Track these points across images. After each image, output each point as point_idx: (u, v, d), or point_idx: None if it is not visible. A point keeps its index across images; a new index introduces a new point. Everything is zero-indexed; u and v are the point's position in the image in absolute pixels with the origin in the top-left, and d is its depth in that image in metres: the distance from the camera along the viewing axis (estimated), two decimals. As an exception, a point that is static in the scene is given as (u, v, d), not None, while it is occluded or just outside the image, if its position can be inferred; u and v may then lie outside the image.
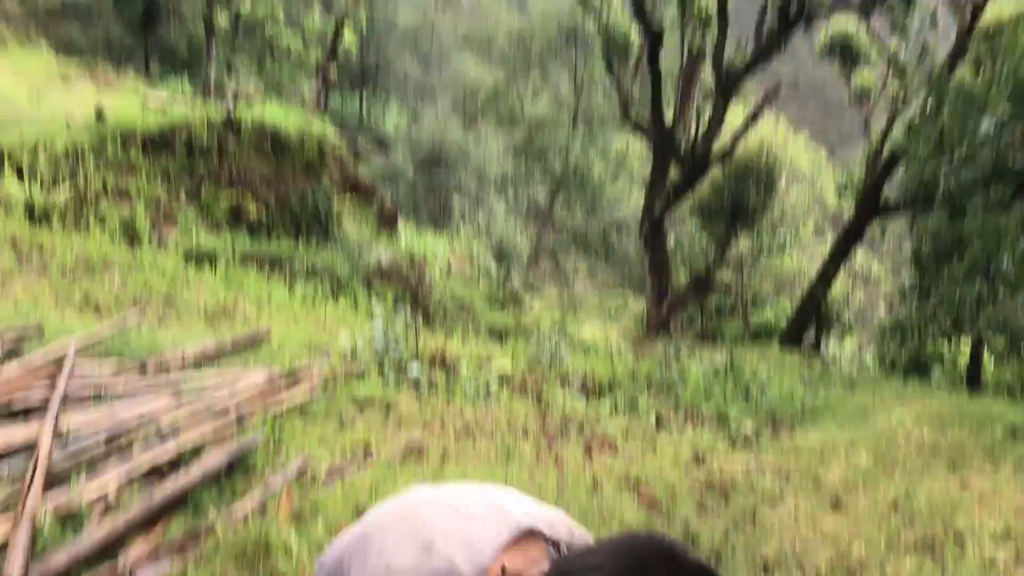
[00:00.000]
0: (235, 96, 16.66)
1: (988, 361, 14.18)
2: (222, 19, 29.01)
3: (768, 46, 14.85)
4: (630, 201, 30.32)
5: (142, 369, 5.17)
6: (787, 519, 4.27)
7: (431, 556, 1.20)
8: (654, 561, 1.04)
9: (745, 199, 17.84)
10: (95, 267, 7.77)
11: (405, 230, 17.65)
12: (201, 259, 9.16)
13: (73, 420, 3.96)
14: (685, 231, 21.13)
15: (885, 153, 16.14)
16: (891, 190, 16.71)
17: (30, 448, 3.55)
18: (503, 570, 1.20)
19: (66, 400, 4.22)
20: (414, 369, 6.53)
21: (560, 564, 1.13)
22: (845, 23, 17.02)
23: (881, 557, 3.69)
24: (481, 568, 1.20)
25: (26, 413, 4.08)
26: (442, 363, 7.20)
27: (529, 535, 1.26)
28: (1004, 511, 4.32)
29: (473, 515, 1.28)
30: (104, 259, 8.00)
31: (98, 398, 4.55)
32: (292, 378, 5.67)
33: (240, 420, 4.63)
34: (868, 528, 4.08)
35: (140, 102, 13.74)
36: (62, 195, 9.06)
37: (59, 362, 4.71)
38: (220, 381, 5.22)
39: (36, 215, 8.69)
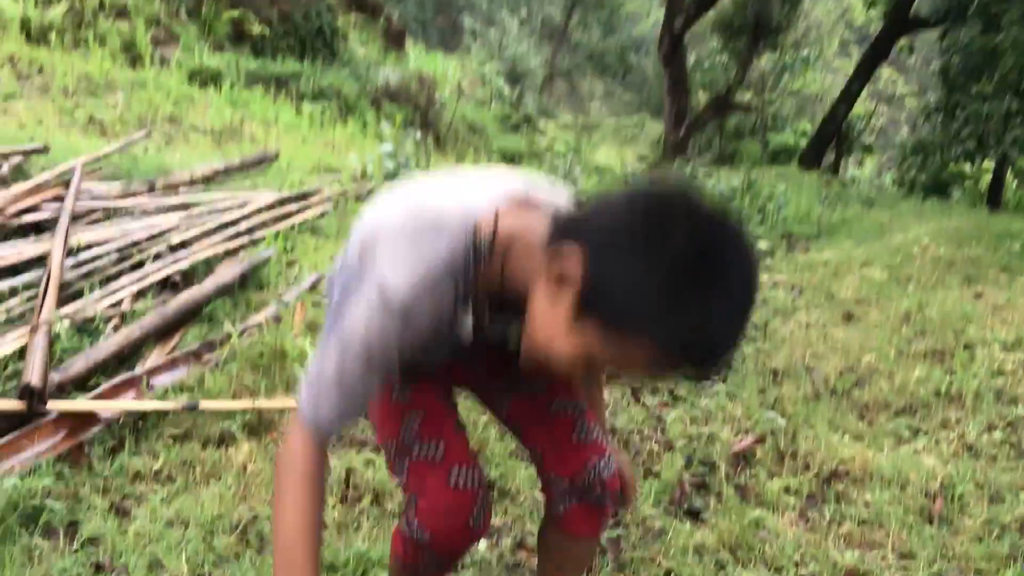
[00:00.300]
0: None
1: (1011, 181, 13.96)
2: None
3: None
4: (649, 18, 29.22)
5: (150, 188, 5.13)
6: (798, 332, 4.29)
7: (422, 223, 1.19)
8: (677, 217, 1.00)
9: (769, 14, 17.13)
10: (98, 87, 7.60)
11: (414, 51, 17.16)
12: (205, 79, 8.93)
13: (83, 236, 3.94)
14: (706, 49, 20.46)
15: (918, -38, 15.35)
16: (921, 3, 15.99)
17: (42, 261, 3.55)
18: (496, 220, 1.18)
19: (75, 217, 4.19)
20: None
21: (566, 222, 1.10)
22: None
23: (890, 365, 3.72)
24: (471, 217, 1.18)
25: (36, 229, 4.07)
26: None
27: (526, 203, 1.23)
28: (1017, 322, 4.32)
29: (467, 182, 1.28)
30: (107, 79, 7.81)
31: (107, 216, 4.53)
32: (302, 197, 5.62)
33: (252, 236, 4.62)
34: (879, 339, 4.10)
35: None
36: (58, 12, 8.75)
37: (66, 181, 4.66)
38: (230, 200, 5.17)
39: (33, 33, 8.42)
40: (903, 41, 16.31)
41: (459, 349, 1.33)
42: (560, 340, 1.08)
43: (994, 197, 13.15)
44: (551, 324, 1.09)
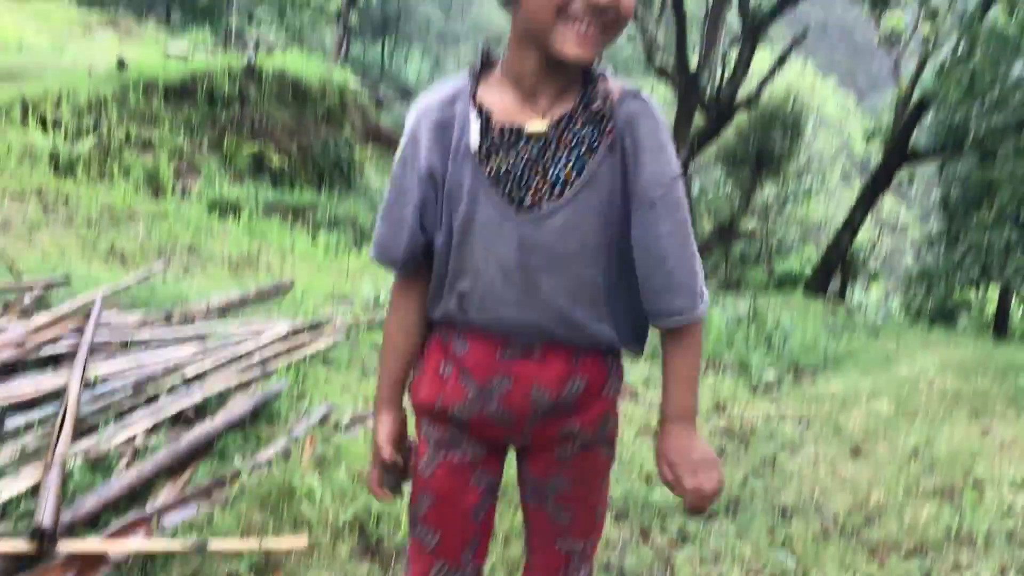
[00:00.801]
0: (256, 45, 16.60)
1: (1016, 309, 14.06)
2: (242, -34, 28.79)
3: (796, -12, 14.56)
4: (655, 148, 29.97)
5: (167, 319, 5.24)
6: (807, 466, 4.30)
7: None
8: None
9: (771, 146, 17.65)
10: (120, 217, 7.84)
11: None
12: (225, 209, 9.21)
13: (100, 368, 4.03)
14: (710, 178, 20.96)
15: (915, 97, 15.87)
16: (920, 135, 16.46)
17: (59, 395, 3.62)
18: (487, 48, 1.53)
19: (93, 349, 4.29)
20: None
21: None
22: (875, -36, 16.62)
23: (900, 503, 3.71)
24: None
25: (54, 361, 4.16)
26: (464, 311, 7.23)
27: None
28: (1025, 459, 4.32)
29: None
30: (129, 209, 8.07)
31: (125, 347, 4.62)
32: (315, 327, 5.73)
33: (264, 368, 4.69)
34: (888, 475, 4.10)
35: (162, 52, 13.74)
36: (86, 145, 9.11)
37: (86, 312, 4.77)
38: (244, 330, 5.27)
39: (61, 166, 8.75)
40: (903, 172, 16.72)
41: (476, 199, 1.44)
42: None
43: (1000, 325, 13.22)
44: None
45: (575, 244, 1.44)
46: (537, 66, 1.40)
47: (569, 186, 1.41)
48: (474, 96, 1.45)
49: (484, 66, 1.48)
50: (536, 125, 1.41)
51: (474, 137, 1.43)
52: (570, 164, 1.42)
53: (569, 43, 1.34)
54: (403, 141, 1.49)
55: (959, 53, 12.88)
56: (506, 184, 1.43)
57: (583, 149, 1.42)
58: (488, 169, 1.43)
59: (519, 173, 1.42)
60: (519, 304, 1.47)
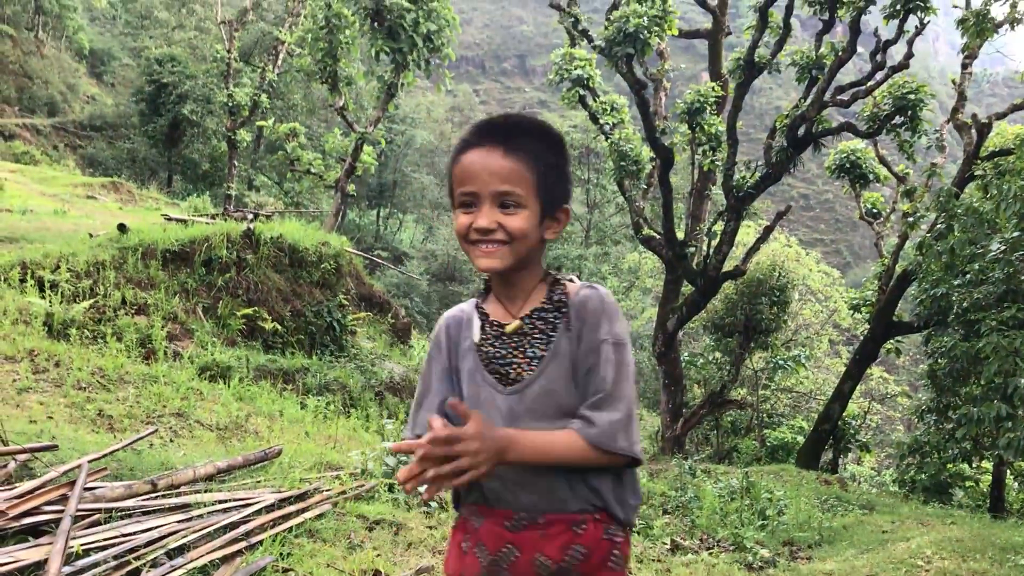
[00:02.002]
0: (255, 212, 17.05)
1: (1011, 484, 13.92)
2: (245, 136, 29.97)
3: (778, 166, 15.16)
4: (643, 314, 30.43)
5: (152, 487, 5.15)
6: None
7: None
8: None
9: (758, 316, 17.90)
10: (111, 381, 7.82)
11: (418, 343, 17.73)
12: (215, 374, 9.21)
13: (82, 541, 3.94)
14: (699, 347, 21.13)
15: (897, 271, 16.25)
16: (904, 308, 16.75)
17: (40, 568, 3.53)
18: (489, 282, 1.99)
19: (77, 519, 4.20)
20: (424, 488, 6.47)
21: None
22: (853, 143, 17.39)
23: None
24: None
25: (37, 532, 4.07)
26: (453, 482, 7.13)
27: None
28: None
29: None
30: (120, 373, 8.06)
31: (108, 517, 4.53)
32: (302, 497, 5.63)
33: (249, 540, 4.59)
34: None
35: (162, 217, 14.09)
36: (82, 309, 9.19)
37: (71, 479, 4.71)
38: (230, 500, 5.19)
39: (55, 328, 8.80)
40: (890, 344, 16.89)
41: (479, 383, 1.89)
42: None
43: (996, 500, 13.05)
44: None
45: (552, 408, 1.81)
46: (495, 280, 1.92)
47: (541, 360, 1.84)
48: (479, 307, 1.96)
49: (487, 288, 1.98)
50: (512, 325, 1.88)
51: (476, 333, 1.91)
52: (541, 343, 1.85)
53: (479, 260, 1.82)
54: (429, 345, 1.98)
55: (937, 229, 13.32)
56: (497, 366, 1.87)
57: (550, 331, 1.85)
58: (483, 356, 1.89)
59: (504, 355, 1.87)
60: (517, 475, 1.79)
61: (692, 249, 16.25)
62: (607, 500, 1.83)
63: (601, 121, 16.03)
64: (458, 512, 1.97)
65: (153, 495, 5.08)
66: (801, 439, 17.67)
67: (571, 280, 1.92)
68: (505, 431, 1.72)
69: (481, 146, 1.81)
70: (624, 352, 1.83)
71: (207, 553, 4.19)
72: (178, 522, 4.55)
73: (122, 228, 11.10)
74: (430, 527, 5.62)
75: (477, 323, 1.92)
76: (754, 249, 16.42)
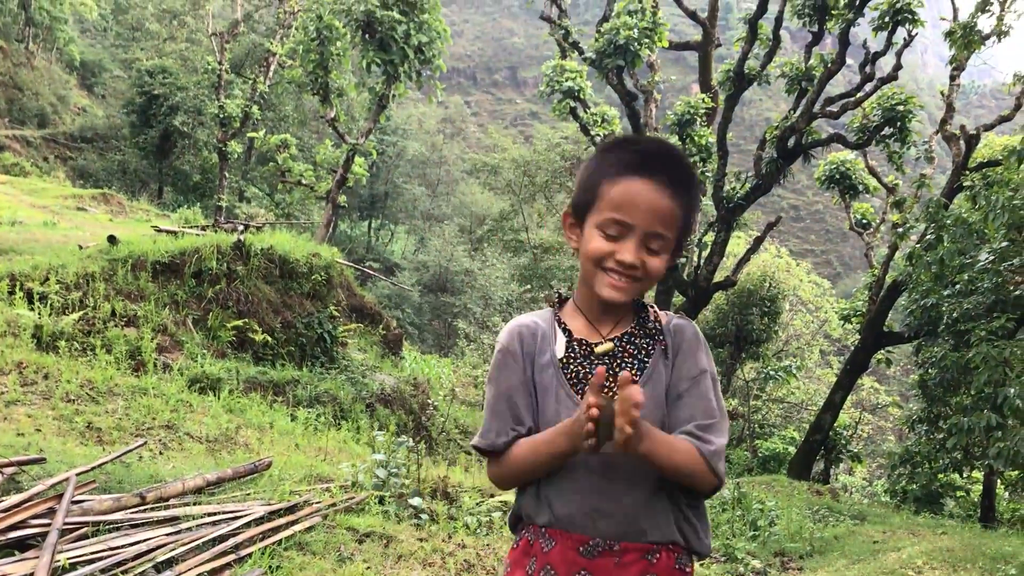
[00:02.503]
0: (246, 224, 17.02)
1: (1002, 493, 13.95)
2: (236, 147, 29.95)
3: (767, 177, 15.22)
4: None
5: (141, 500, 5.12)
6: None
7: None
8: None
9: (749, 327, 17.94)
10: (100, 394, 7.78)
11: (410, 354, 17.70)
12: (205, 386, 9.17)
13: (69, 555, 3.91)
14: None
15: (887, 281, 16.31)
16: (895, 319, 16.81)
17: (23, 584, 3.50)
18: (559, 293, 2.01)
19: (64, 532, 4.17)
20: (415, 500, 6.45)
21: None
22: (843, 154, 17.48)
23: None
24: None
25: (23, 546, 4.03)
26: (444, 494, 7.12)
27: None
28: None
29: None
30: (109, 385, 8.02)
31: (96, 531, 4.50)
32: (291, 510, 5.60)
33: (238, 552, 4.56)
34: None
35: (152, 229, 14.06)
36: (71, 321, 9.15)
37: (59, 493, 4.68)
38: (219, 513, 5.16)
39: (43, 341, 8.75)
40: (880, 354, 16.94)
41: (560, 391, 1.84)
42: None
43: (987, 510, 13.07)
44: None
45: None
46: (598, 302, 1.85)
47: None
48: (558, 320, 1.91)
49: (562, 299, 1.97)
50: (604, 347, 1.85)
51: (560, 348, 1.87)
52: (634, 367, 1.83)
53: (604, 288, 1.79)
54: (499, 353, 1.90)
55: (927, 239, 13.37)
56: (581, 386, 1.82)
57: (642, 355, 1.85)
58: (569, 375, 1.84)
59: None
60: (601, 499, 1.78)
61: (683, 260, 16.28)
62: (691, 532, 1.84)
63: (592, 132, 16.07)
64: (517, 535, 1.92)
65: (141, 508, 5.05)
66: (792, 449, 17.70)
67: (653, 307, 1.93)
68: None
69: (651, 178, 1.75)
70: (718, 386, 1.87)
71: (196, 566, 4.16)
72: (166, 535, 4.52)
73: (112, 240, 11.07)
74: (420, 539, 5.60)
75: (562, 338, 1.88)
76: (744, 260, 16.48)
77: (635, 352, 1.85)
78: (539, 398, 1.84)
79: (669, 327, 1.88)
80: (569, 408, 1.79)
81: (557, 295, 1.98)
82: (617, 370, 1.82)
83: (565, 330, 1.89)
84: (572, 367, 1.85)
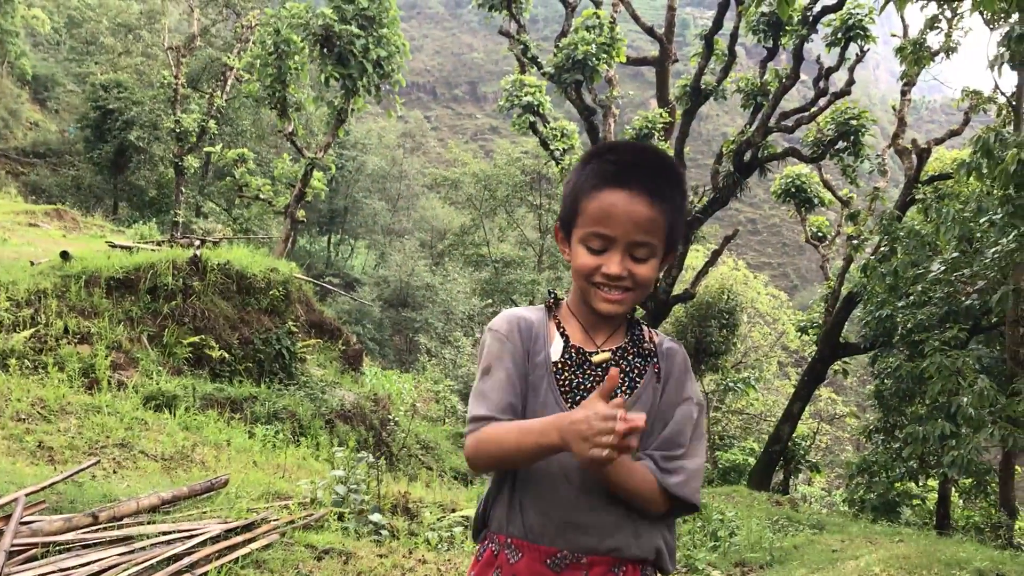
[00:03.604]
0: (203, 239, 16.84)
1: (957, 501, 14.15)
2: (192, 162, 29.64)
3: (724, 191, 15.38)
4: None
5: (94, 520, 5.02)
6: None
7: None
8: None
9: (708, 339, 18.08)
10: (52, 412, 7.63)
11: (370, 370, 17.58)
12: (161, 403, 9.03)
13: (17, 577, 3.81)
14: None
15: (843, 293, 16.53)
16: (851, 330, 17.03)
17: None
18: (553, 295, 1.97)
19: (12, 554, 4.07)
20: (375, 516, 6.40)
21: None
22: (798, 168, 17.72)
23: None
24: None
25: (-32, 569, 3.93)
26: (405, 509, 7.07)
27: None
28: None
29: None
30: (62, 404, 7.87)
31: (46, 552, 4.40)
32: (249, 527, 5.52)
33: (193, 572, 4.48)
34: None
35: (106, 245, 13.84)
36: (22, 339, 8.97)
37: (6, 514, 4.56)
38: (174, 531, 5.07)
39: (-7, 359, 8.57)
40: (837, 365, 17.15)
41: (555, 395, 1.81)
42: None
43: (942, 518, 13.25)
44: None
45: None
46: (593, 314, 1.84)
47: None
48: (557, 322, 1.88)
49: (557, 299, 1.94)
50: (599, 356, 1.83)
51: (556, 352, 1.84)
52: (625, 384, 1.82)
53: (600, 303, 1.78)
54: (494, 341, 1.84)
55: (881, 251, 13.60)
56: (576, 396, 1.80)
57: (634, 374, 1.84)
58: (561, 381, 1.82)
59: (588, 387, 1.80)
60: (578, 513, 1.75)
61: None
62: (666, 550, 1.83)
63: (552, 147, 16.14)
64: (481, 545, 1.88)
65: (94, 528, 4.94)
66: (752, 460, 17.83)
67: (646, 325, 1.93)
68: None
69: (627, 189, 1.73)
70: (703, 415, 1.87)
71: (149, 587, 4.08)
72: (119, 555, 4.43)
73: (65, 256, 10.88)
74: (380, 555, 5.54)
75: (559, 342, 1.85)
76: (703, 273, 16.61)
77: (627, 369, 1.84)
78: (529, 396, 1.81)
79: (662, 350, 1.88)
80: (554, 413, 1.75)
81: (552, 296, 1.95)
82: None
83: (563, 334, 1.86)
84: (566, 373, 1.82)
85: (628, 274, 1.75)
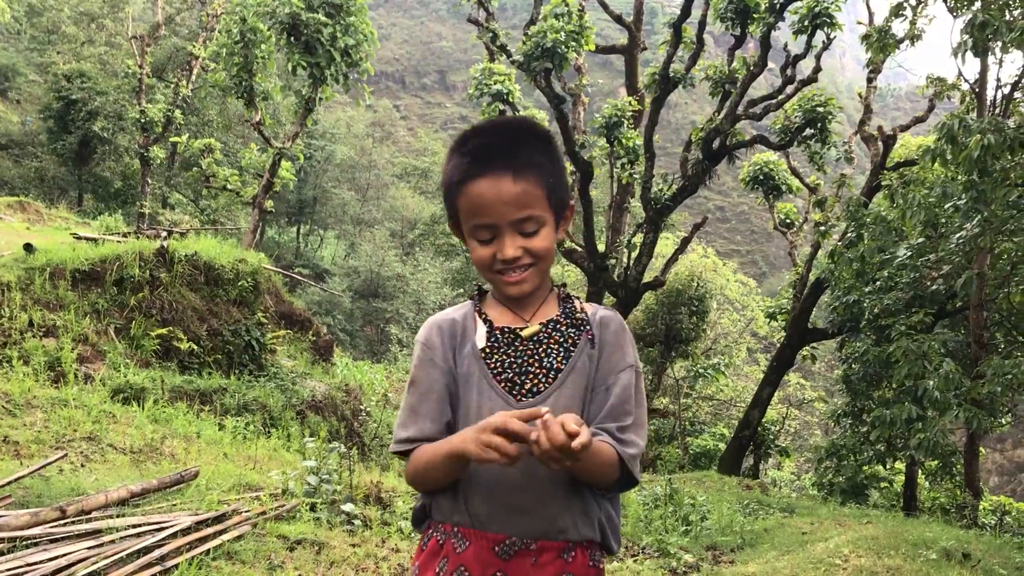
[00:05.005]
0: (169, 230, 16.65)
1: (923, 483, 14.37)
2: (158, 152, 29.28)
3: (693, 179, 15.45)
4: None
5: (61, 514, 4.96)
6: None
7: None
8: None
9: (678, 326, 18.17)
10: (17, 406, 7.52)
11: (341, 361, 17.51)
12: (129, 396, 8.93)
13: (-17, 572, 3.76)
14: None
15: (811, 279, 16.69)
16: (819, 316, 17.21)
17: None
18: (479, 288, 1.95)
19: (-23, 550, 4.02)
20: (347, 506, 6.38)
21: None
22: (766, 156, 17.84)
23: None
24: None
25: (-68, 566, 3.87)
26: (377, 499, 7.05)
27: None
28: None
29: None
30: (27, 398, 7.75)
31: (12, 547, 4.34)
32: (220, 519, 5.49)
33: (164, 564, 4.45)
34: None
35: (71, 236, 13.65)
36: (-15, 332, 8.83)
37: (-28, 509, 4.50)
38: (144, 524, 5.02)
39: (-44, 354, 8.43)
40: (806, 350, 17.33)
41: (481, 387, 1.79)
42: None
43: (909, 499, 13.46)
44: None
45: None
46: (509, 298, 1.84)
47: (560, 372, 1.77)
48: (479, 311, 1.88)
49: (480, 293, 1.93)
50: (530, 329, 1.81)
51: (481, 338, 1.82)
52: (560, 355, 1.79)
53: (507, 288, 1.79)
54: (418, 350, 1.86)
55: (848, 238, 13.74)
56: (508, 375, 1.78)
57: (568, 344, 1.81)
58: (492, 364, 1.80)
59: (520, 363, 1.79)
60: (521, 496, 1.71)
61: (613, 261, 16.43)
62: (609, 528, 1.81)
63: (521, 135, 16.08)
64: (424, 534, 1.85)
65: (62, 522, 4.89)
66: (723, 446, 17.98)
67: (578, 298, 1.91)
68: None
69: (487, 175, 1.72)
70: (641, 381, 1.83)
71: (119, 580, 4.04)
72: (88, 548, 4.38)
73: (28, 248, 10.72)
74: (353, 545, 5.53)
75: (482, 328, 1.84)
76: (672, 260, 16.70)
77: (561, 340, 1.81)
78: (460, 390, 1.79)
79: (596, 318, 1.85)
80: (492, 398, 1.76)
81: (477, 288, 1.95)
82: (543, 357, 1.79)
83: (486, 320, 1.85)
84: (496, 356, 1.80)
85: (524, 251, 1.75)
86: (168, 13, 32.99)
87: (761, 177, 17.76)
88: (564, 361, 1.78)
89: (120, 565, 4.25)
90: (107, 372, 9.37)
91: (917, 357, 9.92)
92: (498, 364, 1.79)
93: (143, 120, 28.29)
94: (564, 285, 1.92)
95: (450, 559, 1.74)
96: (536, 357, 1.79)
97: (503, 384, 1.77)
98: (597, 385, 1.78)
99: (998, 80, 11.67)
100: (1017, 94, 11.27)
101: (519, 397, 1.76)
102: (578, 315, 1.85)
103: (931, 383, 9.26)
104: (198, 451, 7.92)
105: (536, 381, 1.76)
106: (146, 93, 29.43)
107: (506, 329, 1.82)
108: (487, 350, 1.80)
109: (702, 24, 15.19)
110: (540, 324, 1.82)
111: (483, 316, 1.86)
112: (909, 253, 10.86)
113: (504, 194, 1.71)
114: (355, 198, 44.51)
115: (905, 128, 17.04)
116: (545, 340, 1.80)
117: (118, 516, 5.25)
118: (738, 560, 6.84)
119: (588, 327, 1.83)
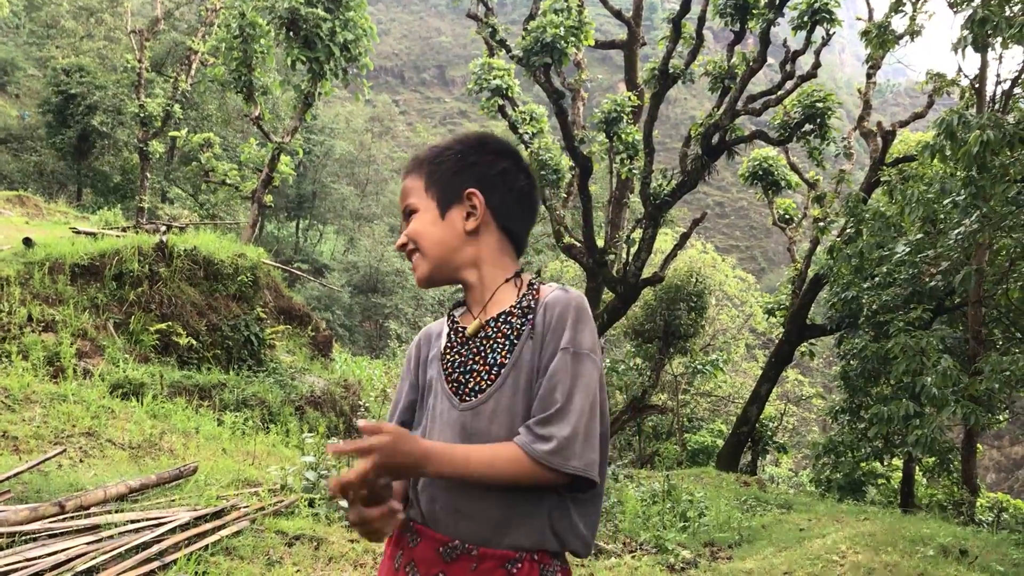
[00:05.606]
0: (168, 225, 16.64)
1: (920, 479, 14.39)
2: (157, 147, 29.24)
3: (693, 174, 15.43)
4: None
5: (60, 510, 4.97)
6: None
7: None
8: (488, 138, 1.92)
9: (677, 322, 18.17)
10: (16, 402, 7.52)
11: (340, 356, 17.51)
12: (128, 391, 8.93)
13: (-18, 567, 3.77)
14: (620, 354, 21.36)
15: (809, 275, 16.69)
16: (817, 312, 17.22)
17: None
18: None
19: (-24, 545, 4.02)
20: (346, 502, 6.38)
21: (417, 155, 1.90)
22: (765, 151, 17.83)
23: None
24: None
25: (-68, 561, 3.88)
26: (376, 494, 7.05)
27: None
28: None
29: None
30: (26, 393, 7.76)
31: (11, 542, 4.35)
32: (218, 515, 5.50)
33: (163, 559, 4.45)
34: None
35: (70, 231, 13.64)
36: (-16, 327, 8.83)
37: (-29, 504, 4.50)
38: (142, 519, 5.03)
39: (-45, 348, 8.43)
40: (804, 346, 17.33)
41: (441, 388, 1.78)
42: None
43: (906, 497, 13.48)
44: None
45: (506, 427, 1.65)
46: (464, 292, 1.86)
47: (503, 368, 1.69)
48: (451, 315, 1.88)
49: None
50: (471, 327, 1.77)
51: (443, 340, 1.84)
52: (504, 349, 1.72)
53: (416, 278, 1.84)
54: (406, 358, 1.95)
55: (847, 233, 13.74)
56: (454, 375, 1.76)
57: (514, 336, 1.72)
58: (446, 365, 1.79)
59: (465, 362, 1.75)
60: (463, 498, 1.66)
61: (612, 257, 16.41)
62: (568, 532, 1.68)
63: (520, 131, 16.09)
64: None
65: (61, 517, 4.90)
66: (721, 442, 18.00)
67: (538, 284, 1.81)
68: (423, 445, 1.56)
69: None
70: (582, 363, 1.64)
71: (118, 575, 4.05)
72: (87, 544, 4.39)
73: (27, 242, 10.71)
74: (351, 541, 5.54)
75: (446, 330, 1.86)
76: (672, 256, 16.68)
77: (508, 332, 1.73)
78: (425, 395, 1.84)
79: (544, 302, 1.73)
80: (442, 401, 1.76)
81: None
82: (488, 353, 1.73)
83: (453, 322, 1.86)
84: (448, 357, 1.80)
85: (407, 238, 1.82)
86: (167, 8, 32.92)
87: (760, 173, 17.74)
88: (508, 355, 1.71)
89: (118, 560, 4.26)
90: (106, 367, 9.38)
91: (915, 353, 9.92)
92: (449, 365, 1.78)
93: (142, 115, 28.22)
94: (539, 273, 1.95)
95: (405, 553, 1.75)
96: (482, 354, 1.74)
97: (451, 385, 1.75)
98: (540, 374, 1.66)
99: (998, 76, 11.70)
100: (1017, 90, 11.27)
101: (464, 397, 1.72)
102: (527, 304, 1.76)
103: (929, 379, 9.27)
104: (197, 447, 7.93)
105: (479, 379, 1.72)
106: (145, 88, 29.36)
107: (458, 328, 1.82)
108: (445, 351, 1.82)
109: (701, 20, 15.16)
110: (490, 319, 1.76)
111: (450, 318, 1.87)
112: (908, 249, 10.86)
113: (400, 192, 1.88)
114: (354, 193, 44.49)
115: (904, 124, 17.04)
116: (493, 335, 1.75)
117: (117, 512, 5.25)
118: (736, 556, 6.85)
119: (532, 315, 1.73)
